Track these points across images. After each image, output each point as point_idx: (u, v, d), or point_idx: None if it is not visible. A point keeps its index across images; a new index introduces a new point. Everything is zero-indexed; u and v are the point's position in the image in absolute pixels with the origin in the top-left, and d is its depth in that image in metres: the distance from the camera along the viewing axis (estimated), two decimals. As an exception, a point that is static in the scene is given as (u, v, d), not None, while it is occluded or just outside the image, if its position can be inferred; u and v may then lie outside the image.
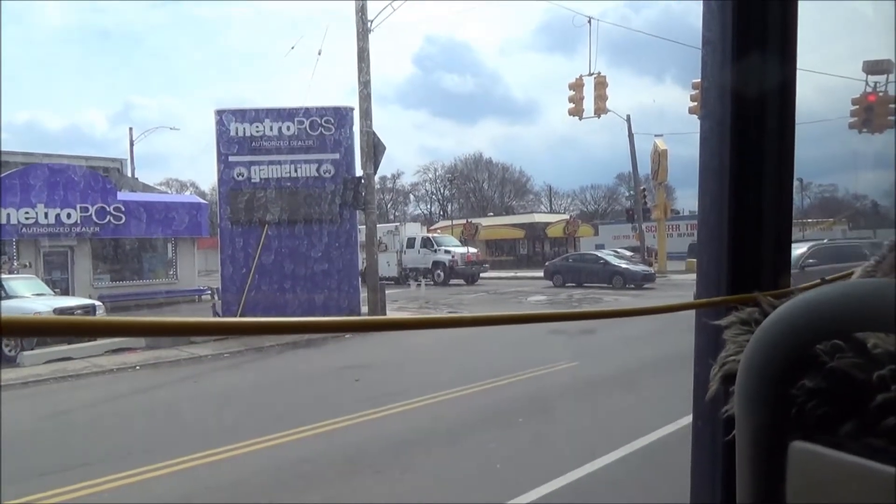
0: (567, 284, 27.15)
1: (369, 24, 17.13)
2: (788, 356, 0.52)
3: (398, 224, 36.31)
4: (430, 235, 34.55)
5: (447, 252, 31.48)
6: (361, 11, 17.02)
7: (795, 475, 0.51)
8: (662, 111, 71.35)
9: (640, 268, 26.76)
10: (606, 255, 28.36)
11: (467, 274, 30.93)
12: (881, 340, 0.54)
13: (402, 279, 31.94)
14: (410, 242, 32.64)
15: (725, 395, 0.61)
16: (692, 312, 0.95)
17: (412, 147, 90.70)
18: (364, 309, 17.14)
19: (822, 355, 0.54)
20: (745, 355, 0.55)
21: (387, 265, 30.87)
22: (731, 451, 0.56)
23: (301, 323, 0.56)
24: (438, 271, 31.19)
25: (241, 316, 15.43)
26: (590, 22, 21.86)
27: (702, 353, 0.89)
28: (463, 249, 32.19)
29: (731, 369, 0.61)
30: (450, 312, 18.31)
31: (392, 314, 17.80)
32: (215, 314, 16.19)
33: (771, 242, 0.94)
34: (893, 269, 0.65)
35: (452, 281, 30.75)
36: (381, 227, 32.37)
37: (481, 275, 31.81)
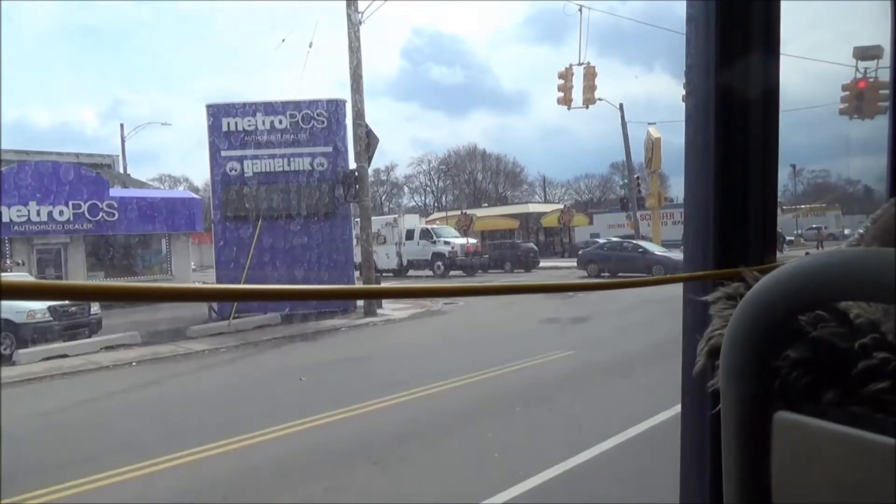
0: (602, 274, 25.20)
1: (360, 16, 17.03)
2: (771, 327, 0.52)
3: (396, 216, 35.92)
4: (429, 227, 34.20)
5: (447, 243, 31.15)
6: (352, 4, 16.93)
7: (780, 445, 0.51)
8: (654, 100, 71.36)
9: (681, 256, 24.69)
10: (645, 243, 26.72)
11: (468, 265, 30.63)
12: (863, 310, 0.54)
13: (401, 271, 31.78)
14: (409, 234, 32.25)
15: (712, 370, 0.61)
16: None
17: (405, 139, 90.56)
18: (360, 302, 17.13)
19: (806, 326, 0.54)
20: (728, 328, 0.55)
21: (386, 257, 30.68)
22: (719, 425, 0.56)
23: (287, 291, 0.56)
24: (438, 263, 30.86)
25: (235, 311, 15.43)
26: (580, 10, 21.73)
27: (689, 329, 0.89)
28: (462, 240, 31.92)
29: (717, 343, 0.61)
30: (445, 303, 18.33)
31: (388, 305, 17.81)
32: (210, 309, 16.18)
33: (757, 218, 0.93)
34: (875, 240, 0.66)
35: (452, 272, 30.55)
36: (380, 220, 32.17)
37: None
